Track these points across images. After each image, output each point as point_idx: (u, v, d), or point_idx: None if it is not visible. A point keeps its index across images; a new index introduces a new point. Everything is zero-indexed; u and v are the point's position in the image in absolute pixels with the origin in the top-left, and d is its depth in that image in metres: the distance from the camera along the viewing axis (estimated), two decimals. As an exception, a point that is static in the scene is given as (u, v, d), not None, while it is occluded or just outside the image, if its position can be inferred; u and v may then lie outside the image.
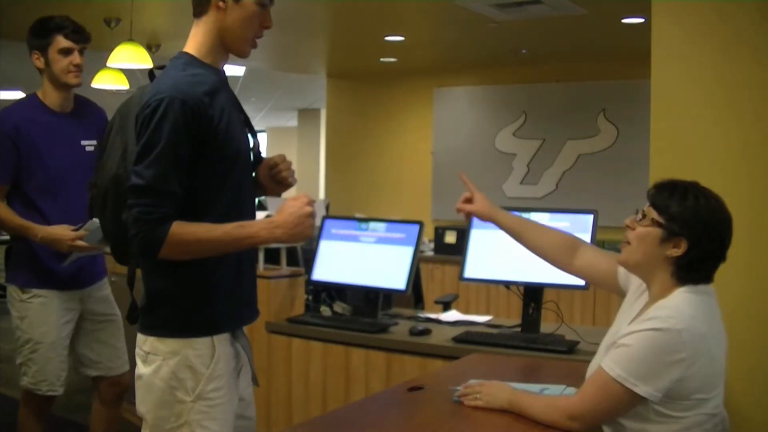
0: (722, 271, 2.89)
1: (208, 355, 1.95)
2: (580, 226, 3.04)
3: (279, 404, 3.51)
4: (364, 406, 2.27)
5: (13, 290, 3.00)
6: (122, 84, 6.80)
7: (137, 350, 2.01)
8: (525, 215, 3.14)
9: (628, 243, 1.95)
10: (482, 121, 8.61)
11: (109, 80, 6.66)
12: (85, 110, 3.10)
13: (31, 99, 3.02)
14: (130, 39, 5.87)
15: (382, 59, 8.42)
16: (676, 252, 1.87)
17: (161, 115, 1.83)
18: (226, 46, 2.00)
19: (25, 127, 2.90)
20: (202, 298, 1.96)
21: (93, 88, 6.70)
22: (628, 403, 1.82)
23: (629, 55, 6.75)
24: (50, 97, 2.99)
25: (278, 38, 7.40)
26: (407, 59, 8.37)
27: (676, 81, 3.04)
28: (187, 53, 1.98)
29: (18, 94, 10.72)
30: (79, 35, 2.96)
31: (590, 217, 3.06)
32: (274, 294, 3.54)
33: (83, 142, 3.02)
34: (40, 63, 2.95)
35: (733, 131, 2.94)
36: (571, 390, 2.07)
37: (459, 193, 2.39)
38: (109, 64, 5.96)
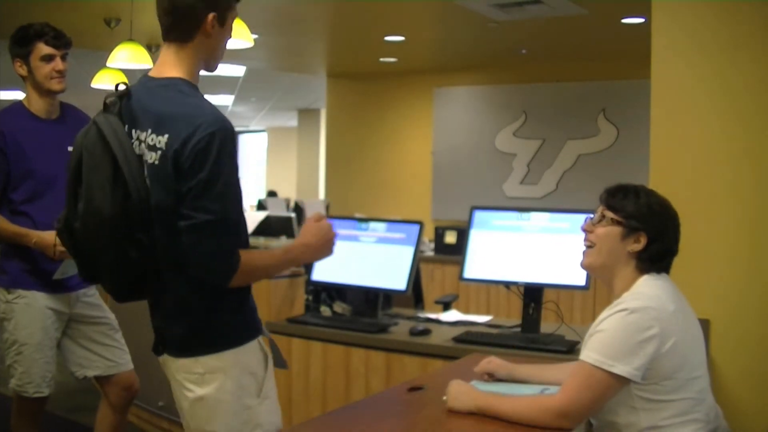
0: (723, 269, 2.90)
1: (261, 356, 2.01)
2: (579, 226, 3.04)
3: (279, 404, 3.51)
4: (364, 406, 2.27)
5: None
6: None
7: (184, 376, 1.97)
8: (525, 215, 3.16)
9: (590, 246, 2.06)
10: (482, 121, 8.61)
11: (108, 80, 6.65)
12: (71, 117, 3.07)
13: (17, 106, 3.00)
14: (130, 39, 5.87)
15: (382, 59, 8.42)
16: (637, 247, 1.99)
17: (219, 149, 1.83)
18: (205, 65, 2.02)
19: (12, 135, 2.87)
20: (242, 305, 2.01)
21: (93, 88, 6.70)
22: (611, 387, 1.84)
23: (629, 55, 6.76)
24: (35, 104, 2.97)
25: (278, 38, 7.40)
26: (407, 59, 8.38)
27: (676, 81, 3.04)
28: (183, 79, 1.94)
29: (18, 95, 10.71)
30: (60, 41, 2.94)
31: (590, 217, 3.05)
32: (274, 294, 3.54)
33: (70, 149, 3.01)
34: (23, 71, 2.94)
35: (733, 131, 2.94)
36: (553, 389, 2.05)
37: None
38: (109, 64, 5.96)
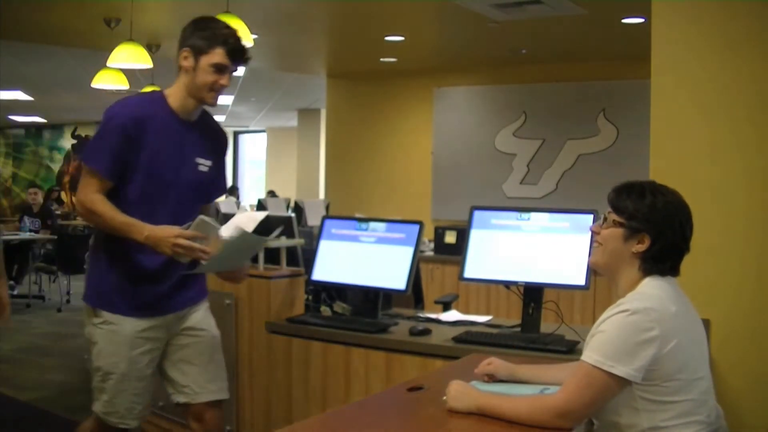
0: (723, 269, 2.90)
1: None
2: (579, 226, 3.04)
3: (279, 404, 3.51)
4: (364, 406, 2.27)
5: (85, 308, 2.69)
6: (122, 84, 6.80)
7: None
8: (525, 215, 3.16)
9: (599, 245, 2.06)
10: (482, 121, 8.61)
11: (108, 80, 6.66)
12: (208, 127, 2.80)
13: (157, 96, 2.69)
14: (130, 39, 5.88)
15: (382, 59, 8.42)
16: (641, 247, 1.97)
17: None
18: None
19: (144, 126, 2.58)
20: None
21: (93, 88, 6.71)
22: (611, 388, 1.85)
23: (629, 55, 6.76)
24: (180, 101, 2.66)
25: (278, 38, 7.41)
26: (407, 59, 8.38)
27: (676, 81, 3.04)
28: None
29: (18, 94, 10.68)
30: (239, 56, 2.64)
31: (590, 217, 3.05)
32: (274, 294, 3.54)
33: (198, 160, 2.72)
34: (187, 63, 2.61)
35: (733, 130, 2.94)
36: (553, 389, 2.06)
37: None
38: (109, 64, 5.96)
